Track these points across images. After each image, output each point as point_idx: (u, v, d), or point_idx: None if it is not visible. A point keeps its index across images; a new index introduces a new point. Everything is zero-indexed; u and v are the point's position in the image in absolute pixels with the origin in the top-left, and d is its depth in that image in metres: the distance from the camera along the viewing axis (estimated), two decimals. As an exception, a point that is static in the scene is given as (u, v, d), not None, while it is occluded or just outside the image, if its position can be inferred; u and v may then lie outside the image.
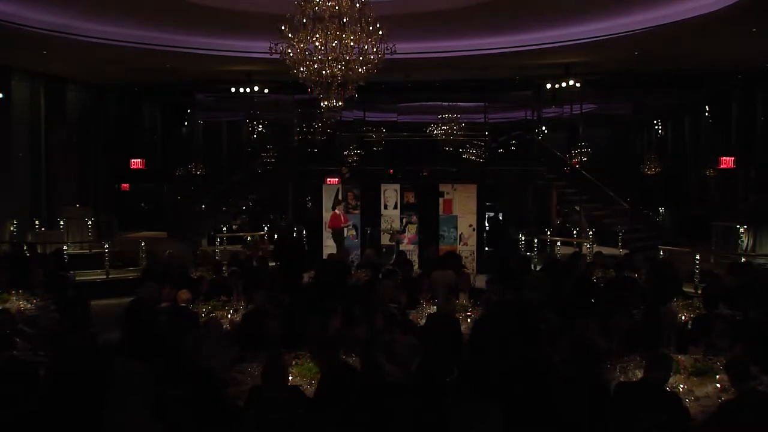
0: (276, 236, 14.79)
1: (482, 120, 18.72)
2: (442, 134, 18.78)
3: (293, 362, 5.06)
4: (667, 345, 5.66)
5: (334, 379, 4.59)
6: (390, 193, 13.68)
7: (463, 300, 7.64)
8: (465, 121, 18.92)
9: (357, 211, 13.75)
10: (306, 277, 9.65)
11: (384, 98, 18.65)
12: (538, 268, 12.34)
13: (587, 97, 16.41)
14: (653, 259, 10.09)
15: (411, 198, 13.83)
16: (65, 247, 12.73)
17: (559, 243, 13.96)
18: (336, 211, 13.19)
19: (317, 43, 6.88)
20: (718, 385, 4.85)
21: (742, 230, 13.14)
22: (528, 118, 19.09)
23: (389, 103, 19.55)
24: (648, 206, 18.97)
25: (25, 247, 11.16)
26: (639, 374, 4.80)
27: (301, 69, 7.12)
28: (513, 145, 21.21)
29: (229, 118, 20.52)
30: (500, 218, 16.98)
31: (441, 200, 13.57)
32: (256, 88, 15.95)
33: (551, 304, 6.78)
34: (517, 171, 17.44)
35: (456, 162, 18.54)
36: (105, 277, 12.32)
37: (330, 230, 13.35)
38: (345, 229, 13.35)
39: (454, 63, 13.93)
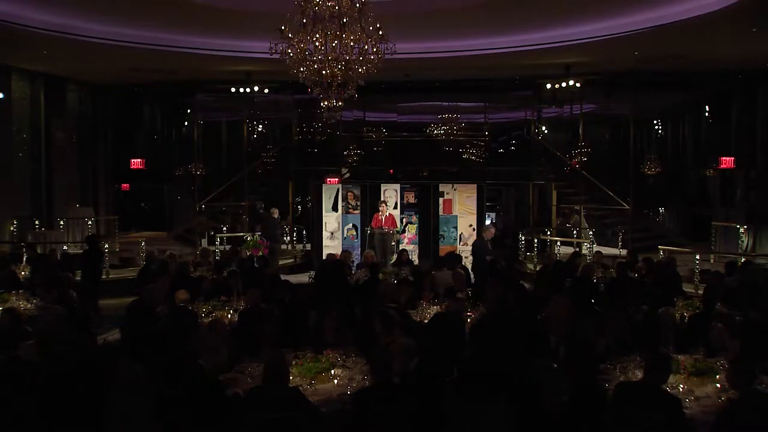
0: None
1: (482, 120, 18.68)
2: (442, 134, 18.75)
3: (293, 362, 5.06)
4: (666, 345, 5.65)
5: None
6: (390, 193, 13.69)
7: (463, 300, 7.63)
8: (465, 121, 18.90)
9: (357, 211, 13.75)
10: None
11: (384, 98, 18.62)
12: (537, 268, 12.36)
13: (587, 97, 16.39)
14: (653, 260, 10.09)
15: (411, 198, 13.84)
16: (65, 247, 12.72)
17: (559, 243, 13.96)
18: (379, 212, 12.84)
19: (317, 43, 6.87)
20: (718, 385, 4.85)
21: (742, 230, 13.14)
22: (528, 118, 19.08)
23: (389, 103, 19.52)
24: (648, 206, 18.95)
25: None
26: (639, 374, 4.80)
27: (301, 69, 7.11)
28: (513, 145, 21.20)
29: (229, 118, 20.48)
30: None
31: (441, 200, 13.57)
32: (256, 88, 15.93)
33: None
34: (517, 171, 17.42)
35: (456, 162, 18.52)
36: (105, 277, 12.29)
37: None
38: (383, 234, 12.59)
39: (454, 63, 13.93)
